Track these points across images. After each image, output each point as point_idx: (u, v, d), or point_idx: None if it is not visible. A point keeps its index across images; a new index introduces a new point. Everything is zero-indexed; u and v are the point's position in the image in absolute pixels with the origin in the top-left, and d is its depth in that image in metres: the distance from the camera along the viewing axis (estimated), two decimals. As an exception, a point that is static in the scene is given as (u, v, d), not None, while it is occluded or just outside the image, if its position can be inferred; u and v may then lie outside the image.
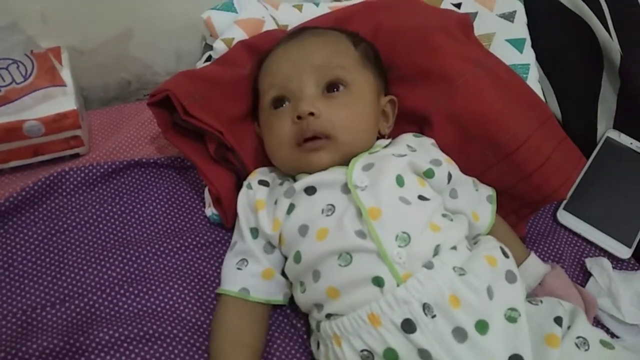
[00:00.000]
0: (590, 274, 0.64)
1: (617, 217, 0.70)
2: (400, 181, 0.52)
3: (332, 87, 0.56)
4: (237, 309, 0.53)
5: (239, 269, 0.54)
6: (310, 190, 0.54)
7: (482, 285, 0.47)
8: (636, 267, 0.67)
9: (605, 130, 0.78)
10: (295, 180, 0.56)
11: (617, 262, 0.67)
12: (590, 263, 0.65)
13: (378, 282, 0.47)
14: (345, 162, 0.55)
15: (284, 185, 0.57)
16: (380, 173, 0.52)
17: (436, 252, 0.49)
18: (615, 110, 0.78)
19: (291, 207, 0.54)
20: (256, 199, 0.55)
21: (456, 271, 0.48)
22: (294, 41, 0.61)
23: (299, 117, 0.54)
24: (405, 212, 0.50)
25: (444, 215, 0.53)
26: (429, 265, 0.48)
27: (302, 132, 0.54)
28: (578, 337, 0.48)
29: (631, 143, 0.77)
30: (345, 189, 0.52)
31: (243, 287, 0.53)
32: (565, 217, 0.71)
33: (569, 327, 0.49)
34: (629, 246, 0.68)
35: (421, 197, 0.52)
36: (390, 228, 0.49)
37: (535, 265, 0.59)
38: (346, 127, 0.55)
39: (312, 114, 0.53)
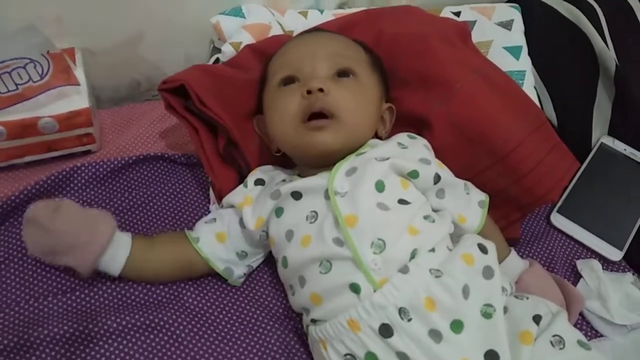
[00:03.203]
0: (581, 276, 0.66)
1: (609, 221, 0.72)
2: (380, 186, 0.53)
3: (342, 74, 0.58)
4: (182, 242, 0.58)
5: (205, 222, 0.59)
6: (296, 195, 0.55)
7: (458, 286, 0.48)
8: (627, 270, 0.69)
9: (600, 136, 0.80)
10: (291, 179, 0.58)
11: (608, 265, 0.69)
12: (581, 265, 0.66)
13: (355, 288, 0.49)
14: (345, 150, 0.56)
15: (278, 184, 0.58)
16: (361, 179, 0.53)
17: (413, 255, 0.50)
18: (610, 118, 0.80)
19: (280, 211, 0.55)
20: (246, 196, 0.58)
21: (432, 273, 0.49)
22: (311, 34, 0.63)
23: (308, 92, 0.55)
24: (382, 218, 0.51)
25: (425, 217, 0.54)
26: (404, 270, 0.49)
27: (310, 106, 0.55)
28: (554, 336, 0.49)
29: (625, 149, 0.79)
30: (327, 194, 0.53)
31: (197, 237, 0.57)
32: (558, 220, 0.72)
33: (547, 327, 0.50)
34: (620, 249, 0.70)
35: (402, 201, 0.53)
36: (365, 235, 0.50)
37: (512, 264, 0.60)
38: (351, 109, 0.56)
39: (321, 90, 0.55)
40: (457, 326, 0.47)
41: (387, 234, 0.50)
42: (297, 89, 0.57)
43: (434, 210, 0.57)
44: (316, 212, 0.53)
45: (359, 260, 0.49)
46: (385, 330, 0.47)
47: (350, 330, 0.48)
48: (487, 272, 0.51)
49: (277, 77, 0.59)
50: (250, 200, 0.57)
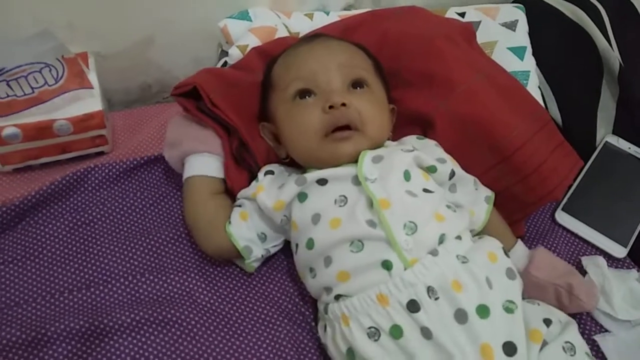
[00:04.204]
0: (586, 272, 0.66)
1: (614, 218, 0.72)
2: (407, 176, 0.56)
3: (356, 84, 0.60)
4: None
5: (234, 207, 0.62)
6: (321, 182, 0.57)
7: (482, 275, 0.50)
8: (631, 266, 0.69)
9: (605, 135, 0.81)
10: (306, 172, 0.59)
11: (613, 261, 0.70)
12: (586, 261, 0.67)
13: (387, 265, 0.51)
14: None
15: (292, 175, 0.60)
16: (390, 167, 0.55)
17: (441, 240, 0.53)
18: (614, 117, 0.81)
19: (303, 196, 0.57)
20: (257, 185, 0.59)
21: (459, 259, 0.51)
22: (316, 42, 0.64)
23: (330, 107, 0.56)
24: (412, 204, 0.54)
25: (448, 206, 0.56)
26: (434, 253, 0.51)
27: (335, 120, 0.57)
28: (566, 342, 0.51)
29: (629, 148, 0.79)
30: (356, 180, 0.55)
31: (230, 220, 0.60)
32: (563, 218, 0.73)
33: (560, 333, 0.52)
34: (625, 246, 0.70)
35: (426, 190, 0.56)
36: (399, 217, 0.52)
37: (521, 250, 0.63)
38: (372, 122, 0.58)
39: (344, 104, 0.56)
40: (483, 311, 0.49)
41: (417, 217, 0.53)
42: (314, 102, 0.58)
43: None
44: (345, 197, 0.55)
45: (393, 241, 0.51)
46: (413, 306, 0.49)
47: (379, 304, 0.50)
48: (510, 273, 0.53)
49: (290, 90, 0.60)
50: (262, 187, 0.59)
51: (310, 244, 0.55)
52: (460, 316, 0.48)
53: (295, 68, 0.61)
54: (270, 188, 0.59)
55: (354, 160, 0.57)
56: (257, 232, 0.60)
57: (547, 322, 0.52)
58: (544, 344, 0.50)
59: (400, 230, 0.52)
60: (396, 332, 0.49)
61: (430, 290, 0.49)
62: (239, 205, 0.61)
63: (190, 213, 0.61)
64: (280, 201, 0.57)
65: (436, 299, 0.49)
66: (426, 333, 0.48)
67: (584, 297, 0.58)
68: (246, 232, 0.59)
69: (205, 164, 0.61)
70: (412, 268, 0.50)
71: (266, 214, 0.58)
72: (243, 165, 0.64)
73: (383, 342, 0.49)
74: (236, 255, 0.60)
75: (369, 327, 0.50)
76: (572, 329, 0.53)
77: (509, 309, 0.50)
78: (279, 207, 0.57)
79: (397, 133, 0.67)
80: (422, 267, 0.50)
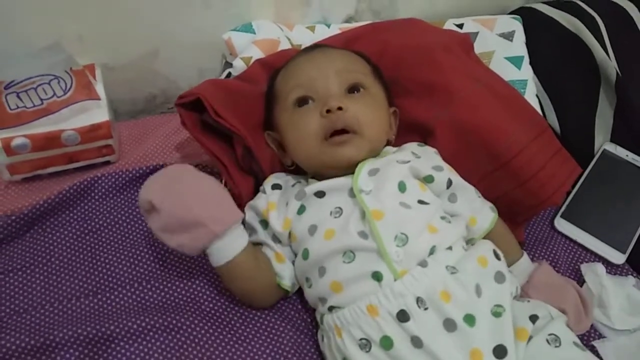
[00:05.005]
0: (584, 281, 0.66)
1: (612, 225, 0.73)
2: (402, 187, 0.57)
3: (353, 89, 0.61)
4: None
5: (266, 249, 0.60)
6: (319, 194, 0.58)
7: (471, 283, 0.51)
8: (629, 273, 0.70)
9: (603, 143, 0.82)
10: (307, 184, 0.61)
11: (612, 268, 0.70)
12: (585, 269, 0.67)
13: (377, 276, 0.52)
14: (367, 158, 0.59)
15: (295, 187, 0.61)
16: (384, 179, 0.56)
17: (432, 252, 0.53)
18: (612, 125, 0.82)
19: (302, 208, 0.58)
20: (269, 201, 0.60)
21: (448, 270, 0.52)
22: (315, 51, 0.66)
23: (328, 111, 0.57)
24: (405, 215, 0.55)
25: (442, 218, 0.57)
26: (423, 264, 0.52)
27: (332, 124, 0.58)
28: (550, 334, 0.51)
29: (627, 155, 0.80)
30: (352, 193, 0.56)
31: (277, 272, 0.59)
32: (562, 225, 0.74)
33: (544, 326, 0.52)
34: (623, 252, 0.71)
35: (421, 202, 0.57)
36: (390, 229, 0.53)
37: (525, 264, 0.63)
38: (370, 124, 0.59)
39: (340, 108, 0.58)
40: (469, 320, 0.50)
41: (409, 229, 0.53)
42: (314, 108, 0.60)
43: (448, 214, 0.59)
44: (341, 208, 0.56)
45: (384, 252, 0.52)
46: (402, 316, 0.50)
47: (369, 315, 0.51)
48: (499, 277, 0.53)
49: (290, 98, 0.61)
50: (274, 205, 0.60)
51: (305, 254, 0.56)
52: (449, 325, 0.49)
53: (295, 77, 0.63)
54: (279, 206, 0.59)
55: (354, 171, 0.58)
56: (291, 260, 0.60)
57: (534, 318, 0.52)
58: (530, 339, 0.51)
59: (391, 241, 0.53)
60: (386, 343, 0.50)
61: (419, 300, 0.50)
62: (263, 244, 0.60)
63: (245, 288, 0.57)
64: (287, 219, 0.58)
65: (425, 309, 0.50)
66: (416, 342, 0.49)
67: (573, 325, 0.58)
68: (287, 271, 0.59)
69: (237, 240, 0.55)
70: (402, 279, 0.51)
71: (277, 236, 0.59)
72: (249, 172, 0.65)
73: (374, 353, 0.50)
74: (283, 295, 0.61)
75: (360, 339, 0.51)
76: (558, 321, 0.53)
77: (497, 313, 0.51)
78: (287, 226, 0.58)
79: (398, 141, 0.68)
80: (411, 278, 0.51)
